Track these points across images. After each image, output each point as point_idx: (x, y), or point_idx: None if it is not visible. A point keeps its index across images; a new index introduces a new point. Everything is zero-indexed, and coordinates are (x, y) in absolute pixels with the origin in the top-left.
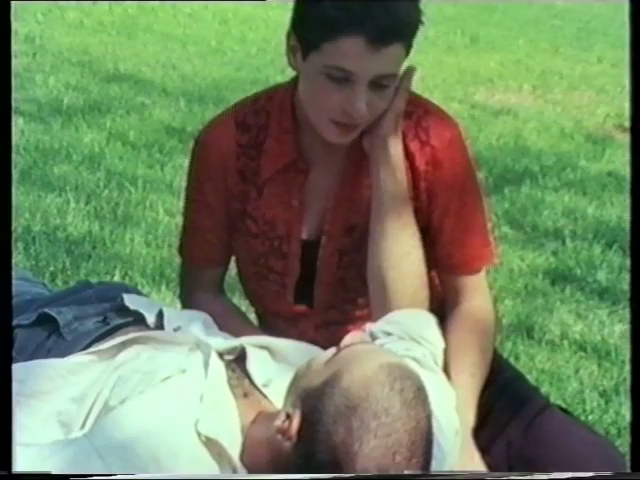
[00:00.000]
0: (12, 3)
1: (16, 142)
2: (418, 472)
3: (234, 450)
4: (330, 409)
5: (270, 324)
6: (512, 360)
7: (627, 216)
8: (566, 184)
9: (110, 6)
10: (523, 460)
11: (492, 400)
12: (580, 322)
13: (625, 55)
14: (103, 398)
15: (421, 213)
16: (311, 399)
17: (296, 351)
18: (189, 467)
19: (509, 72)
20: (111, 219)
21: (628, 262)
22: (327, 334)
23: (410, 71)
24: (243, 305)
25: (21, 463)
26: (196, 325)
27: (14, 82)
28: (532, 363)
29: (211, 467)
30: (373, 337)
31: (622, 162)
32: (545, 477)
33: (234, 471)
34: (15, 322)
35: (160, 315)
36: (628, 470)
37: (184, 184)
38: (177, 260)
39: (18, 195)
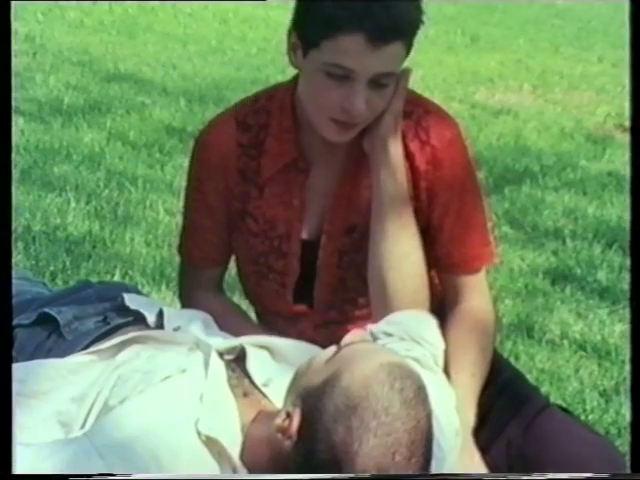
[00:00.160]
0: (12, 3)
1: (16, 142)
2: (418, 472)
3: (234, 449)
4: (330, 408)
5: (270, 323)
6: (512, 360)
7: (627, 216)
8: (566, 184)
9: (110, 6)
10: (523, 460)
11: (492, 400)
12: (580, 322)
13: (625, 55)
14: (103, 398)
15: (421, 213)
16: (311, 398)
17: (296, 350)
18: (189, 466)
19: (509, 72)
20: (111, 219)
21: (628, 262)
22: (327, 334)
23: (406, 72)
24: (243, 304)
25: (21, 462)
26: (196, 325)
27: (14, 82)
28: (532, 363)
29: (211, 466)
30: (374, 337)
31: (622, 162)
32: (544, 477)
33: (234, 470)
34: (15, 322)
35: (160, 315)
36: (628, 470)
37: (184, 184)
38: (177, 260)
39: (18, 195)
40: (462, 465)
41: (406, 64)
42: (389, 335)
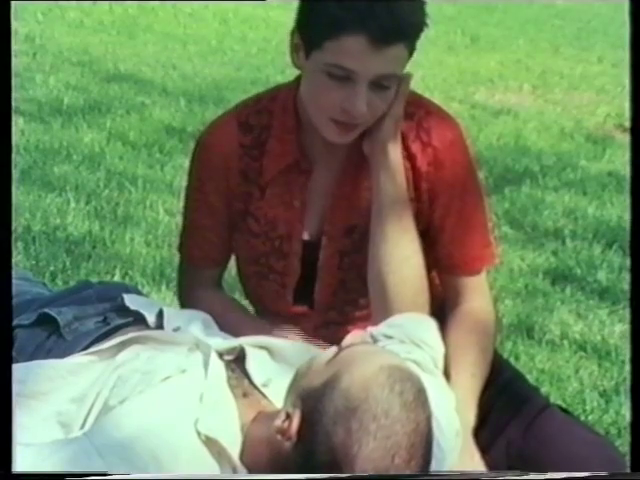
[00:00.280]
0: (12, 3)
1: (16, 142)
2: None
3: (234, 449)
4: (330, 410)
5: (270, 324)
6: (512, 360)
7: (627, 216)
8: (566, 184)
9: (110, 6)
10: (523, 460)
11: (492, 400)
12: (580, 322)
13: (625, 55)
14: (103, 398)
15: (422, 214)
16: (311, 399)
17: (295, 351)
18: (189, 466)
19: (509, 72)
20: (111, 219)
21: (628, 262)
22: (327, 334)
23: (407, 77)
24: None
25: (21, 462)
26: (196, 325)
27: (14, 82)
28: (532, 363)
29: (211, 466)
30: (374, 340)
31: (622, 162)
32: (542, 477)
33: (234, 470)
34: (15, 322)
35: (160, 315)
36: (628, 470)
37: (184, 184)
38: (177, 260)
39: (18, 195)
40: (462, 465)
41: (408, 66)
42: (389, 337)
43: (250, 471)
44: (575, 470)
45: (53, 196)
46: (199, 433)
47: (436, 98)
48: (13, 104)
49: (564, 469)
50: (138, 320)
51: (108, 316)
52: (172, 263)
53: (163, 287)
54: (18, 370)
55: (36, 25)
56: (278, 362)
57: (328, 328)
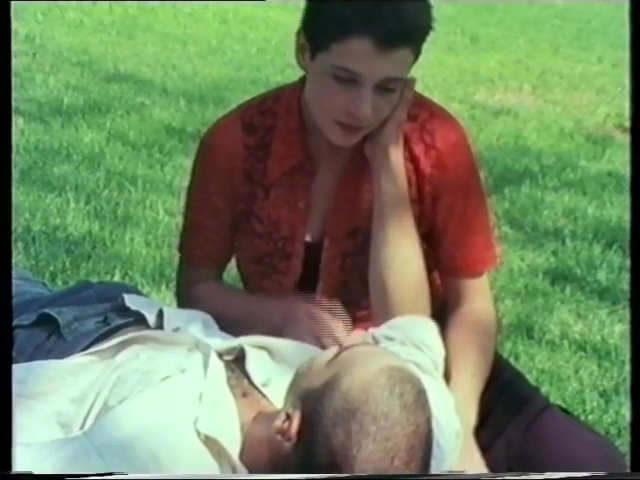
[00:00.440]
0: (12, 3)
1: (16, 142)
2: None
3: (233, 449)
4: (329, 412)
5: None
6: (512, 360)
7: (627, 216)
8: (566, 184)
9: (110, 6)
10: (523, 460)
11: (492, 400)
12: (580, 322)
13: (625, 55)
14: (102, 398)
15: (425, 216)
16: (311, 400)
17: (295, 351)
18: (188, 466)
19: (509, 72)
20: (111, 219)
21: (628, 262)
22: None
23: (411, 82)
24: None
25: (20, 462)
26: (195, 325)
27: (14, 82)
28: (532, 363)
29: (210, 466)
30: (375, 341)
31: (622, 162)
32: (541, 477)
33: (233, 470)
34: (15, 322)
35: (160, 315)
36: (628, 470)
37: (185, 184)
38: (177, 260)
39: (18, 195)
40: (462, 464)
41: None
42: (390, 339)
43: (250, 471)
44: (575, 470)
45: (53, 196)
46: (199, 433)
47: (436, 98)
48: (13, 104)
49: (564, 469)
50: (138, 320)
51: (108, 316)
52: (172, 263)
53: (163, 287)
54: (18, 370)
55: (36, 25)
56: (278, 362)
57: None
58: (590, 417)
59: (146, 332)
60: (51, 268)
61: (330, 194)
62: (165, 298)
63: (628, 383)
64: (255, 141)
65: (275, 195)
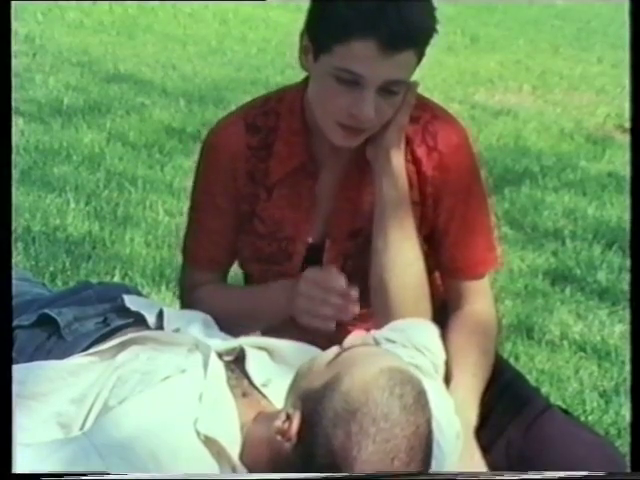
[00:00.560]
0: (12, 3)
1: (16, 142)
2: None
3: (233, 449)
4: (329, 412)
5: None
6: (512, 360)
7: (627, 216)
8: (566, 184)
9: (110, 6)
10: (523, 460)
11: (493, 401)
12: (580, 322)
13: (625, 55)
14: (102, 399)
15: (427, 218)
16: (311, 401)
17: (295, 352)
18: (188, 466)
19: (509, 72)
20: (111, 219)
21: (628, 262)
22: (328, 334)
23: (414, 85)
24: None
25: (20, 462)
26: (195, 326)
27: (14, 82)
28: (532, 363)
29: (210, 466)
30: (376, 343)
31: (622, 162)
32: (540, 476)
33: (233, 470)
34: (15, 323)
35: (160, 316)
36: (628, 470)
37: (185, 184)
38: (177, 260)
39: (18, 195)
40: (462, 464)
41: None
42: (392, 342)
43: (250, 471)
44: (575, 470)
45: (53, 196)
46: (198, 433)
47: (436, 98)
48: (13, 104)
49: (564, 469)
50: (138, 321)
51: (108, 317)
52: (172, 264)
53: (163, 288)
54: (18, 371)
55: (36, 25)
56: (278, 363)
57: None
58: (590, 417)
59: (146, 332)
60: (51, 268)
61: (332, 195)
62: (165, 298)
63: (628, 383)
64: (258, 141)
65: (278, 196)
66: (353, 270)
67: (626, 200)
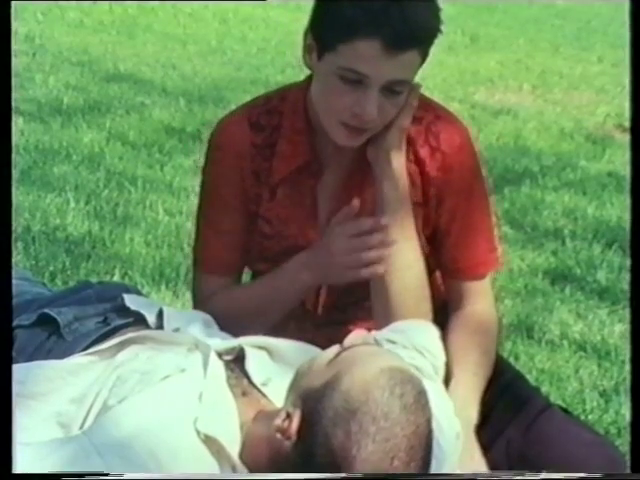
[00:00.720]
0: (12, 3)
1: (16, 142)
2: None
3: (233, 448)
4: (329, 412)
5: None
6: (512, 360)
7: (627, 216)
8: (566, 184)
9: (110, 6)
10: (523, 460)
11: (493, 400)
12: (580, 322)
13: (625, 55)
14: (102, 398)
15: (429, 218)
16: (311, 400)
17: (295, 351)
18: (188, 465)
19: (509, 72)
20: (111, 219)
21: (628, 262)
22: (328, 333)
23: (417, 87)
24: None
25: (20, 461)
26: (195, 325)
27: (14, 81)
28: (532, 363)
29: (210, 465)
30: (377, 344)
31: (622, 162)
32: (538, 477)
33: (233, 469)
34: (15, 322)
35: (160, 315)
36: (628, 470)
37: (185, 184)
38: (177, 260)
39: (18, 195)
40: (462, 463)
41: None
42: (392, 342)
43: (250, 470)
44: (575, 470)
45: (53, 196)
46: (198, 432)
47: (436, 98)
48: (13, 104)
49: (564, 469)
50: (138, 320)
51: (108, 316)
52: (172, 263)
53: (163, 287)
54: (18, 371)
55: (36, 25)
56: (277, 362)
57: (330, 327)
58: (590, 417)
59: (146, 332)
60: (51, 268)
61: (334, 194)
62: (165, 298)
63: (628, 383)
64: (262, 140)
65: (282, 195)
66: None
67: (626, 200)
